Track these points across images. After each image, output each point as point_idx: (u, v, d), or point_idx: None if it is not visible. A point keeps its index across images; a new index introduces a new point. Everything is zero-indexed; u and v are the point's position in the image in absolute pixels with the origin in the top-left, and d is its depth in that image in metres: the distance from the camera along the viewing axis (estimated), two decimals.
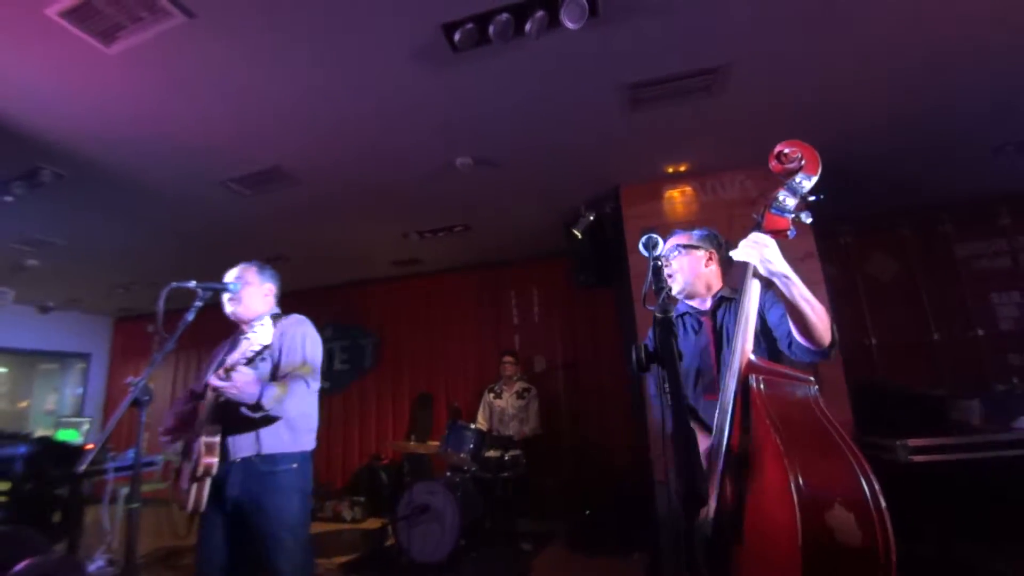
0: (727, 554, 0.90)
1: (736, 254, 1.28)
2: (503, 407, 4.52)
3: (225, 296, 2.01)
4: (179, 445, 1.91)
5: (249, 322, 2.02)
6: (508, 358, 4.69)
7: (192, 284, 1.88)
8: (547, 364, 5.40)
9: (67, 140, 2.86)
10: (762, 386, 1.08)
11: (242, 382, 1.69)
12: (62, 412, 7.21)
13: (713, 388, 1.37)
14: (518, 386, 4.58)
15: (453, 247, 5.17)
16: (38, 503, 3.59)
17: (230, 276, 2.06)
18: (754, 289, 1.25)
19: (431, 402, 5.74)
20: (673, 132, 3.14)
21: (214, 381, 1.70)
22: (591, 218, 3.89)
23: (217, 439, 1.78)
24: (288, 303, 2.21)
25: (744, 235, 3.49)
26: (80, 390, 7.38)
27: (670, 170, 3.66)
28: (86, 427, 5.14)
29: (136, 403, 1.61)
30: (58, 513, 3.61)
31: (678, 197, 3.75)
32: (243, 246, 4.49)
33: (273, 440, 1.84)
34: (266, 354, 1.77)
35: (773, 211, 1.29)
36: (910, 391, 3.32)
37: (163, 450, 4.91)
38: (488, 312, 5.78)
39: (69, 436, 4.82)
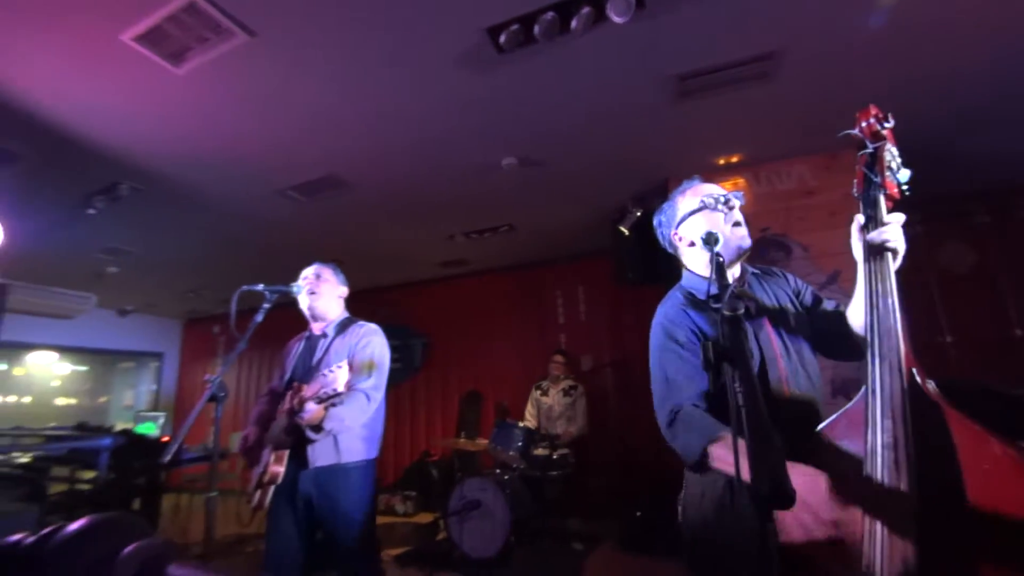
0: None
1: (885, 237, 1.11)
2: (550, 404, 4.53)
3: (303, 290, 2.10)
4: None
5: (323, 319, 2.11)
6: (558, 357, 4.69)
7: (260, 287, 1.99)
8: (594, 363, 5.35)
9: (141, 156, 3.09)
10: (930, 385, 1.02)
11: (310, 417, 1.78)
12: (139, 407, 7.81)
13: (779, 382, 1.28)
14: (564, 384, 4.57)
15: (499, 247, 5.22)
16: (120, 491, 3.90)
17: (309, 271, 2.16)
18: (892, 273, 1.11)
19: (479, 400, 5.81)
20: (723, 122, 3.04)
21: (286, 406, 1.83)
22: (638, 214, 3.82)
23: (286, 452, 1.88)
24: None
25: (802, 227, 3.37)
26: (154, 387, 7.97)
27: (721, 162, 3.55)
28: (162, 421, 5.54)
29: (213, 398, 1.73)
30: (137, 501, 3.91)
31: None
32: (300, 251, 4.70)
33: (349, 449, 1.95)
34: (336, 400, 1.85)
35: (889, 177, 1.15)
36: (990, 390, 3.07)
37: (229, 445, 5.23)
38: (534, 311, 5.79)
39: (147, 429, 5.21)
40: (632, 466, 4.76)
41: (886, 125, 1.20)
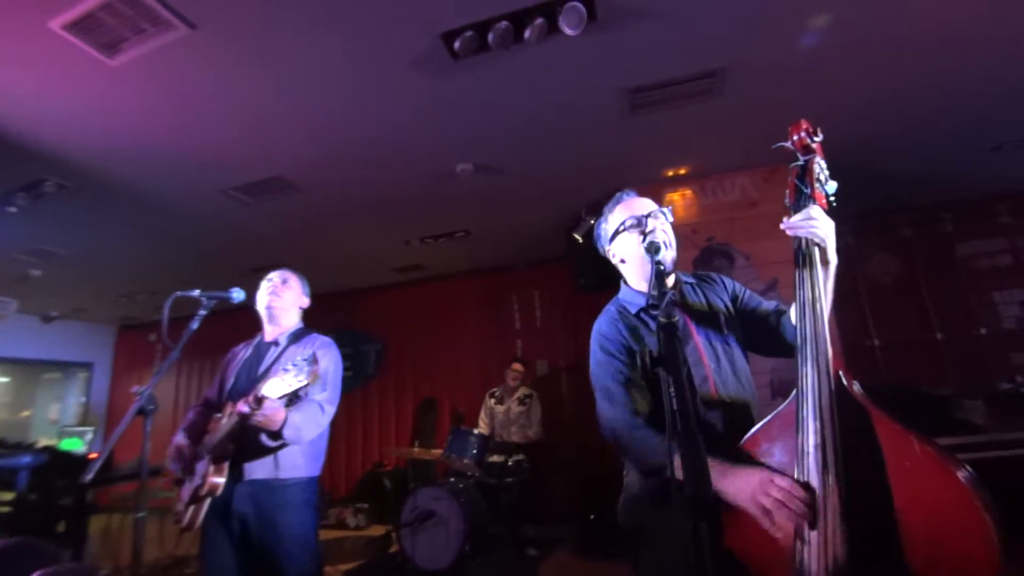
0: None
1: (801, 226, 1.16)
2: (505, 412, 4.52)
3: (264, 290, 2.00)
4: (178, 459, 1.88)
5: (278, 324, 2.01)
6: (517, 365, 4.68)
7: (196, 293, 1.87)
8: (549, 368, 5.39)
9: (70, 151, 2.88)
10: (856, 387, 1.08)
11: (271, 415, 1.64)
12: (65, 422, 7.23)
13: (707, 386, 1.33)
14: (520, 392, 4.58)
15: (455, 253, 5.19)
16: (42, 513, 3.59)
17: (274, 275, 2.06)
18: (821, 274, 1.16)
19: (435, 408, 5.73)
20: (672, 135, 3.16)
21: (242, 408, 1.65)
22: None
23: (227, 462, 1.75)
24: None
25: (745, 237, 3.50)
26: (83, 399, 7.40)
27: (670, 173, 3.68)
28: (90, 436, 5.15)
29: (142, 412, 1.61)
30: (62, 523, 3.61)
31: (678, 200, 3.76)
32: (245, 254, 4.50)
33: (290, 465, 1.83)
34: (301, 392, 1.71)
35: (818, 188, 1.22)
36: (913, 391, 3.32)
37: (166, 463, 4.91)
38: (490, 317, 5.79)
39: (73, 445, 4.83)
40: (588, 470, 4.81)
41: (815, 139, 1.28)
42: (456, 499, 3.47)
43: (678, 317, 0.92)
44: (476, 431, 3.98)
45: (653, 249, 1.19)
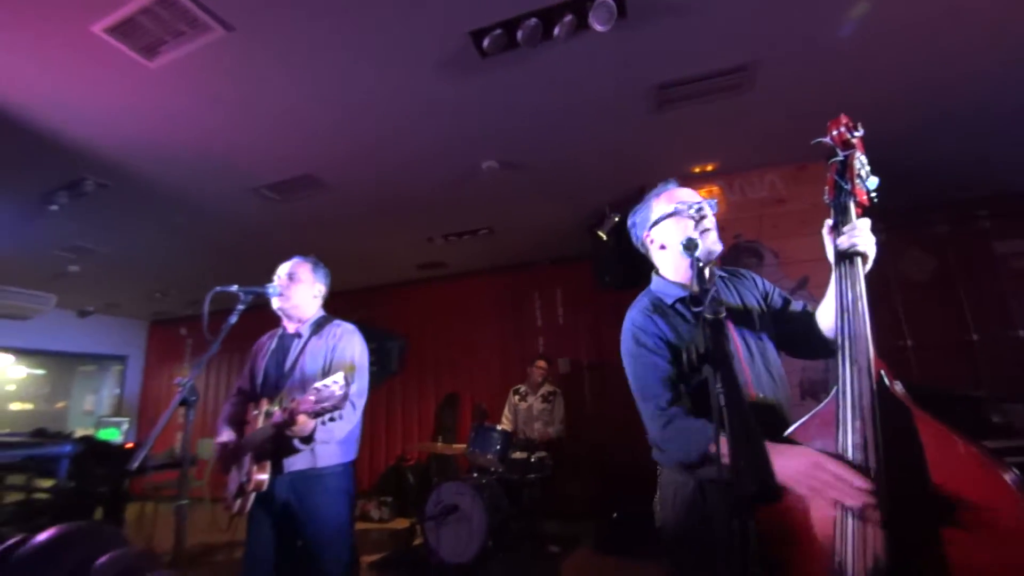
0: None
1: (854, 241, 1.14)
2: (528, 409, 4.53)
3: (274, 289, 2.03)
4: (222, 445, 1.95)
5: (296, 319, 2.05)
6: (540, 363, 4.69)
7: (234, 288, 1.92)
8: (572, 366, 5.39)
9: (110, 151, 2.98)
10: (898, 386, 1.06)
11: (302, 427, 1.72)
12: (100, 412, 7.49)
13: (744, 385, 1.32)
14: (545, 389, 4.59)
15: (477, 250, 5.21)
16: (81, 500, 3.73)
17: (282, 271, 2.08)
18: (862, 278, 1.15)
19: (457, 403, 5.78)
20: (700, 132, 3.12)
21: (277, 418, 1.74)
22: (616, 219, 3.88)
23: (269, 459, 1.82)
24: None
25: (773, 234, 3.45)
26: (117, 391, 7.66)
27: (697, 170, 3.63)
28: (125, 426, 5.33)
29: (184, 403, 1.67)
30: (100, 510, 3.75)
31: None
32: (274, 251, 4.54)
33: (326, 454, 1.90)
34: (337, 414, 1.78)
35: (859, 184, 1.19)
36: (949, 393, 3.22)
37: (199, 451, 5.06)
38: (512, 314, 5.80)
39: (110, 435, 5.00)
40: (609, 468, 4.80)
41: (856, 134, 1.25)
42: (479, 494, 3.51)
43: (724, 312, 0.92)
44: (499, 427, 4.00)
45: (692, 247, 1.19)
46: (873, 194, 1.25)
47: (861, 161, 1.25)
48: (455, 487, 3.61)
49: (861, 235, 1.14)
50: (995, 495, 0.94)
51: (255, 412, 1.90)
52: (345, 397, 1.65)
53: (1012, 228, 4.23)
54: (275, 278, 2.07)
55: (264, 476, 1.79)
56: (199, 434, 6.02)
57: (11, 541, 0.72)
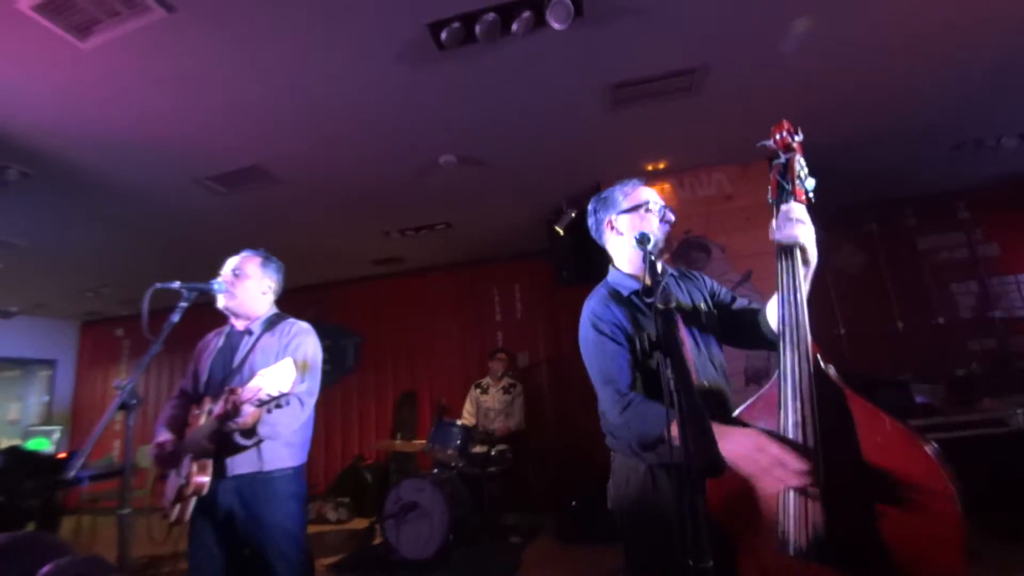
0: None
1: (787, 234, 1.21)
2: (490, 402, 4.56)
3: (219, 287, 1.92)
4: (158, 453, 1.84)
5: (245, 317, 1.96)
6: (500, 355, 4.76)
7: (176, 285, 1.82)
8: (530, 360, 5.45)
9: (36, 137, 2.76)
10: (831, 370, 1.14)
11: (245, 419, 1.64)
12: (27, 421, 6.93)
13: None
14: (504, 382, 4.64)
15: (435, 245, 5.17)
16: (10, 516, 3.46)
17: (228, 267, 1.97)
18: (803, 273, 1.22)
19: (415, 400, 5.73)
20: (653, 130, 3.22)
21: (218, 411, 1.64)
22: (572, 215, 3.94)
23: (211, 460, 1.72)
24: None
25: (720, 230, 3.60)
26: (46, 398, 7.10)
27: (649, 168, 3.75)
28: (57, 435, 4.96)
29: (124, 407, 1.58)
30: (31, 525, 3.49)
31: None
32: (218, 245, 4.33)
33: (273, 457, 1.80)
34: (282, 401, 1.67)
35: (799, 184, 1.26)
36: (878, 377, 3.49)
37: (139, 458, 4.78)
38: (471, 310, 5.80)
39: (40, 445, 4.64)
40: (568, 458, 4.90)
41: (796, 138, 1.34)
42: (440, 490, 3.50)
43: (674, 303, 0.97)
44: (459, 422, 4.01)
45: (645, 240, 1.24)
46: (811, 194, 1.34)
47: (800, 163, 1.33)
48: (415, 484, 3.59)
49: (798, 227, 1.22)
50: (919, 467, 1.04)
51: (197, 412, 1.81)
52: (294, 384, 1.58)
53: (934, 226, 4.63)
54: (221, 275, 1.97)
55: (205, 479, 1.69)
56: (140, 441, 5.69)
57: None
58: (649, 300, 0.99)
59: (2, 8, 1.89)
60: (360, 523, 4.83)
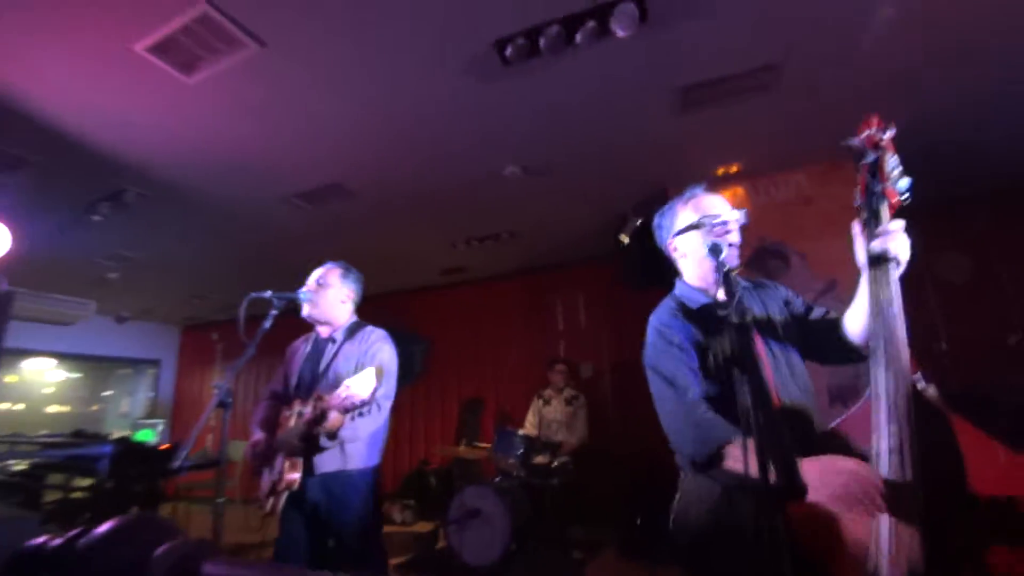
0: None
1: (888, 246, 1.13)
2: (551, 414, 4.53)
3: (303, 297, 2.08)
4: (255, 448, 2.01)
5: (328, 325, 2.11)
6: (560, 366, 4.68)
7: (268, 294, 1.98)
8: (594, 370, 5.36)
9: (149, 163, 3.11)
10: (932, 391, 1.06)
11: (331, 424, 1.78)
12: (135, 415, 7.76)
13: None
14: (567, 393, 4.58)
15: (500, 254, 5.24)
16: (117, 499, 3.87)
17: (312, 278, 2.13)
18: (895, 280, 1.13)
19: (480, 407, 5.81)
20: (724, 133, 3.10)
21: (308, 416, 1.80)
22: (638, 223, 3.87)
23: (301, 458, 1.87)
24: None
25: (800, 236, 3.41)
26: (152, 394, 7.92)
27: (721, 172, 3.60)
28: (160, 428, 5.51)
29: (221, 405, 1.73)
30: (135, 509, 3.88)
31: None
32: (302, 257, 4.66)
33: (356, 456, 1.95)
34: (364, 410, 1.83)
35: (890, 185, 1.17)
36: (989, 396, 3.11)
37: (232, 452, 5.19)
38: (534, 318, 5.81)
39: (146, 436, 5.18)
40: (633, 472, 4.75)
41: (886, 135, 1.24)
42: (502, 498, 3.51)
43: (750, 317, 0.92)
44: (521, 432, 4.01)
45: (717, 251, 1.19)
46: (905, 195, 1.23)
47: (892, 162, 1.23)
48: (477, 491, 3.62)
49: (896, 239, 1.13)
50: None
51: (288, 413, 1.96)
52: (375, 392, 1.69)
53: None
54: (306, 286, 2.13)
55: (296, 475, 1.84)
56: (231, 436, 6.17)
57: (72, 533, 0.76)
58: (723, 313, 0.95)
59: (120, 49, 2.16)
60: (424, 526, 4.94)
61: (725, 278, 1.10)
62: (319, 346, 2.12)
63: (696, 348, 1.34)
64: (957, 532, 0.97)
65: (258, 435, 2.01)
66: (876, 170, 1.23)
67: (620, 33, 2.03)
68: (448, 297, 6.36)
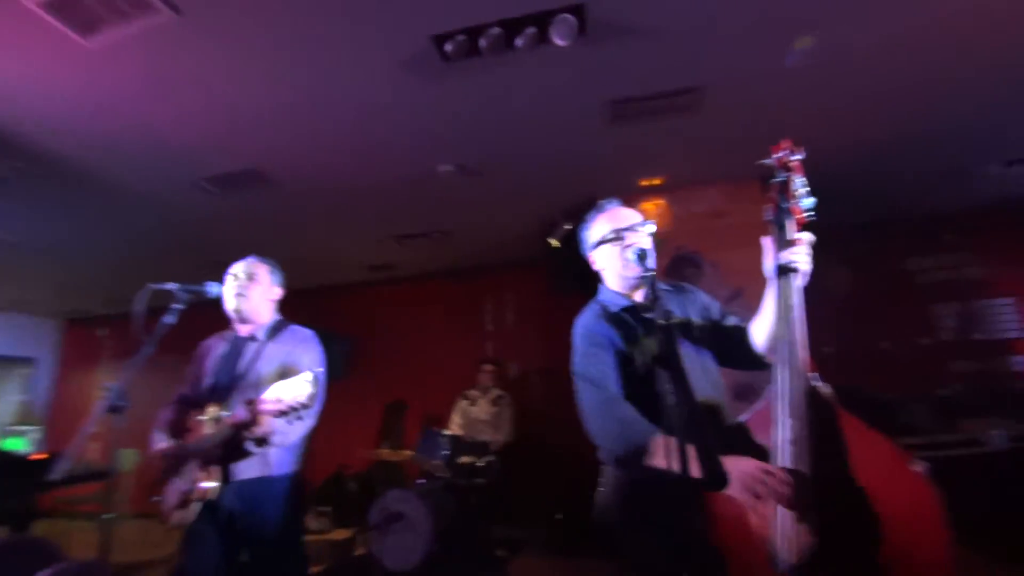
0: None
1: (792, 257, 1.25)
2: (477, 414, 4.53)
3: (231, 291, 1.93)
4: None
5: (251, 321, 1.96)
6: (488, 366, 4.69)
7: (172, 286, 1.82)
8: (521, 370, 5.44)
9: (31, 133, 2.73)
10: (824, 388, 1.19)
11: (263, 428, 1.65)
12: (2, 421, 6.75)
13: None
14: (493, 393, 4.60)
15: (430, 253, 5.17)
16: None
17: (240, 270, 1.98)
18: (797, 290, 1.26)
19: (404, 409, 5.67)
20: (649, 147, 3.27)
21: (240, 417, 1.64)
22: (567, 227, 3.98)
23: (216, 466, 1.72)
24: None
25: (713, 246, 3.67)
26: (24, 397, 6.92)
27: (645, 183, 3.80)
28: (34, 435, 4.83)
29: (113, 409, 1.56)
30: (4, 529, 3.38)
31: (652, 210, 3.88)
32: (210, 247, 4.36)
33: (280, 461, 1.83)
34: (303, 413, 1.70)
35: (797, 203, 1.30)
36: (865, 395, 3.54)
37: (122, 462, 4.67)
38: (463, 318, 5.78)
39: (16, 445, 4.52)
40: (556, 471, 4.87)
41: (795, 157, 1.38)
42: (425, 501, 3.46)
43: (675, 319, 0.99)
44: (447, 432, 3.98)
45: (642, 257, 1.26)
46: (809, 213, 1.37)
47: (799, 183, 1.36)
48: (400, 494, 3.55)
49: (800, 251, 1.25)
50: (908, 486, 1.06)
51: (201, 418, 1.79)
52: (314, 397, 1.59)
53: (920, 248, 4.73)
54: (231, 277, 1.97)
55: (213, 484, 1.70)
56: (122, 445, 5.55)
57: None
58: (649, 316, 1.01)
59: (9, 2, 1.88)
60: (341, 533, 4.74)
61: (651, 283, 1.16)
62: (238, 345, 1.96)
63: (618, 350, 1.41)
64: (843, 515, 1.09)
65: (164, 441, 1.83)
66: (785, 189, 1.36)
67: (559, 42, 2.08)
68: (373, 295, 6.16)
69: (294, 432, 1.76)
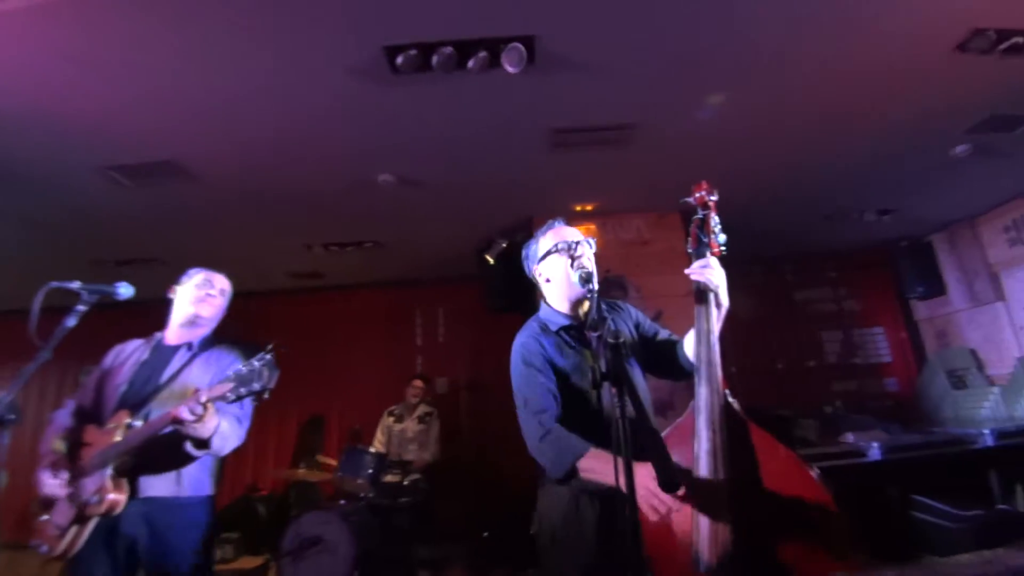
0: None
1: (703, 278, 1.40)
2: (403, 431, 4.42)
3: (193, 294, 1.82)
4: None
5: (193, 332, 1.83)
6: (417, 382, 4.59)
7: (76, 285, 1.63)
8: (450, 386, 5.40)
9: None
10: (736, 404, 1.32)
11: (208, 425, 1.48)
12: None
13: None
14: (421, 410, 4.51)
15: (360, 263, 5.02)
16: None
17: (221, 283, 1.93)
18: (715, 311, 1.41)
19: (322, 426, 5.40)
20: (584, 175, 3.47)
21: (183, 413, 1.43)
22: (503, 245, 4.07)
23: (125, 478, 1.54)
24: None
25: (637, 271, 3.96)
26: None
27: (578, 208, 3.99)
28: None
29: (1, 422, 1.37)
30: None
31: (584, 233, 4.04)
32: (113, 242, 3.91)
33: (194, 480, 1.66)
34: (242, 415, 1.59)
35: (713, 238, 1.46)
36: (763, 411, 3.92)
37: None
38: (391, 332, 5.66)
39: None
40: (484, 488, 4.86)
41: (712, 197, 1.55)
42: (346, 523, 3.31)
43: (623, 338, 1.06)
44: (372, 449, 3.85)
45: (586, 278, 1.35)
46: (723, 247, 1.54)
47: (715, 220, 1.54)
48: (318, 517, 3.36)
49: (712, 272, 1.40)
50: (808, 490, 1.22)
51: (111, 426, 1.60)
52: (271, 378, 1.45)
53: (807, 281, 5.37)
54: (204, 283, 1.88)
55: (121, 496, 1.50)
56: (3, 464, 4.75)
57: None
58: (595, 334, 1.08)
59: None
60: (250, 561, 4.38)
61: (597, 302, 1.24)
62: (163, 353, 1.79)
63: (553, 368, 1.48)
64: (754, 517, 1.21)
65: (59, 448, 1.62)
66: (704, 225, 1.53)
67: (509, 68, 2.18)
68: (294, 305, 5.84)
69: (232, 441, 1.63)
